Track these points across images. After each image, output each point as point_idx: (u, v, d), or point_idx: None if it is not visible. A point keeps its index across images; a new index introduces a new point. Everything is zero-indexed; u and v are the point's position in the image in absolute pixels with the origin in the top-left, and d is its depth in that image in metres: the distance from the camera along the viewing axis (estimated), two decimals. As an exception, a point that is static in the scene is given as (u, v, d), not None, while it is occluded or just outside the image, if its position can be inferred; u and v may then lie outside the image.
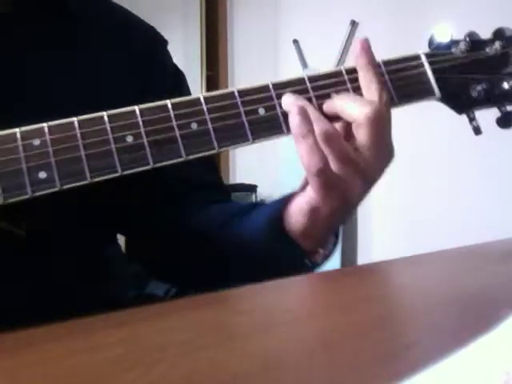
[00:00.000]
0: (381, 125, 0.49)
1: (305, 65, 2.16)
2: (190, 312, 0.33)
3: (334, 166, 0.49)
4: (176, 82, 0.72)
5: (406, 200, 2.00)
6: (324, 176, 0.48)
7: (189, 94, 0.74)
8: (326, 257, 0.56)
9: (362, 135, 0.49)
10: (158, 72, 0.69)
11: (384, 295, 0.40)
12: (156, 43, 0.72)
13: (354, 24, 2.05)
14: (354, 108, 0.50)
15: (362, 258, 2.15)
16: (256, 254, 0.57)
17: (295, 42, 2.26)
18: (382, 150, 0.50)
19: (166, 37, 0.74)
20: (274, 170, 2.31)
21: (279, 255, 0.54)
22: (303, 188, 0.52)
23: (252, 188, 2.41)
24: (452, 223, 1.83)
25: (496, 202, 1.76)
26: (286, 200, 0.54)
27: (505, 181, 1.74)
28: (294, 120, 0.49)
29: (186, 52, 2.58)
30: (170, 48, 0.74)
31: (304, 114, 0.49)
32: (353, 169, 0.49)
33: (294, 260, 0.54)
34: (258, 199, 2.42)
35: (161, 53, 0.72)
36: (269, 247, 0.55)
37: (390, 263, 0.49)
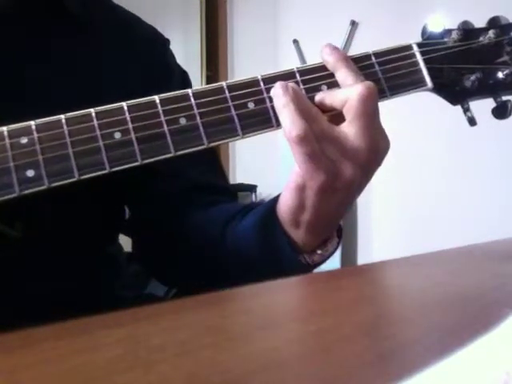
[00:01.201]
0: (373, 104, 0.48)
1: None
2: (190, 312, 0.33)
3: (316, 140, 0.47)
4: (182, 83, 0.72)
5: (406, 200, 2.00)
6: (305, 146, 0.46)
7: None
8: (326, 258, 0.55)
9: (352, 115, 0.48)
10: (162, 72, 0.69)
11: (384, 295, 0.40)
12: (157, 43, 0.72)
13: (353, 24, 2.05)
14: (345, 91, 0.49)
15: (362, 258, 2.15)
16: (252, 255, 0.56)
17: (295, 41, 2.26)
18: (375, 134, 0.48)
19: (165, 37, 0.74)
20: (273, 170, 2.31)
21: (275, 255, 0.54)
22: None
23: (252, 188, 2.41)
24: (452, 223, 1.82)
25: (496, 202, 1.76)
26: (279, 195, 0.54)
27: (505, 181, 1.74)
28: (275, 91, 0.50)
29: (186, 52, 2.58)
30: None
31: (285, 86, 0.49)
32: (339, 149, 0.48)
33: (289, 258, 0.54)
34: (258, 199, 2.42)
35: (162, 52, 0.72)
36: (263, 246, 0.55)
37: (390, 263, 0.49)
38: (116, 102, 0.49)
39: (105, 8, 0.69)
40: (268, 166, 2.35)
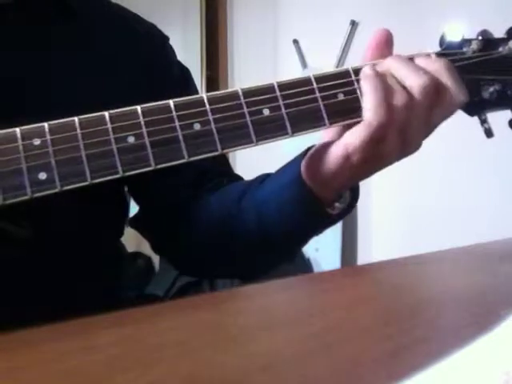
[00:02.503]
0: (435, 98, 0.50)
1: (305, 65, 2.16)
2: (190, 312, 0.33)
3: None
4: (183, 80, 0.72)
5: (406, 200, 2.00)
6: (380, 131, 0.48)
7: (195, 89, 0.74)
8: (344, 211, 0.56)
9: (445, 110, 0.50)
10: (161, 68, 0.69)
11: (384, 295, 0.40)
12: (156, 39, 0.72)
13: (354, 24, 2.05)
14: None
15: (362, 258, 2.15)
16: (280, 219, 0.56)
17: (295, 42, 2.26)
18: (426, 125, 0.51)
19: (164, 34, 0.74)
20: (273, 170, 2.31)
21: (305, 211, 0.54)
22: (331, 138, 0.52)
23: (252, 188, 2.40)
24: (452, 223, 1.82)
25: (496, 202, 1.76)
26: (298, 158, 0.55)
27: (505, 180, 1.74)
28: (367, 71, 0.51)
29: (185, 52, 2.58)
30: (169, 48, 0.74)
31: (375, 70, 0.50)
32: (402, 138, 0.49)
33: (315, 212, 0.54)
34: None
35: (161, 48, 0.72)
36: (293, 205, 0.55)
37: (390, 263, 0.49)
38: (118, 102, 0.48)
39: (104, 6, 0.69)
40: (268, 165, 2.35)
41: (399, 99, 0.49)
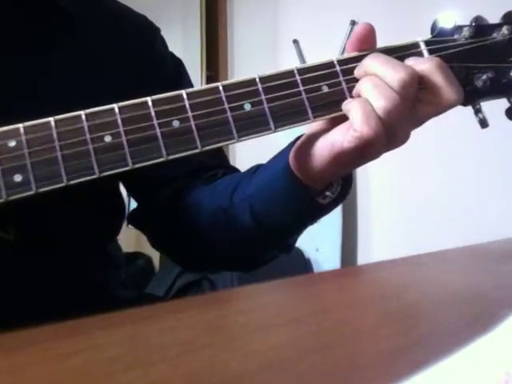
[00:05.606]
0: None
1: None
2: (190, 312, 0.33)
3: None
4: (176, 73, 0.72)
5: (406, 199, 2.00)
6: (371, 140, 0.46)
7: (189, 81, 0.74)
8: (335, 199, 0.55)
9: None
10: (152, 59, 0.69)
11: (384, 295, 0.40)
12: (147, 30, 0.72)
13: (354, 24, 2.05)
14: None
15: (362, 258, 2.15)
16: (271, 205, 0.56)
17: (295, 41, 2.26)
18: (411, 120, 0.49)
19: (165, 37, 0.74)
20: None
21: (291, 200, 0.54)
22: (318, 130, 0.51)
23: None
24: (452, 223, 1.83)
25: (497, 202, 1.76)
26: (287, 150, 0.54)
27: (506, 180, 1.74)
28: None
29: (185, 52, 2.58)
30: (169, 48, 0.74)
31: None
32: (387, 135, 0.47)
33: (304, 201, 0.54)
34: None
35: (153, 39, 0.72)
36: (285, 197, 0.55)
37: (390, 263, 0.49)
38: (117, 100, 0.48)
39: (99, 4, 0.68)
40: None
41: (386, 103, 0.47)
